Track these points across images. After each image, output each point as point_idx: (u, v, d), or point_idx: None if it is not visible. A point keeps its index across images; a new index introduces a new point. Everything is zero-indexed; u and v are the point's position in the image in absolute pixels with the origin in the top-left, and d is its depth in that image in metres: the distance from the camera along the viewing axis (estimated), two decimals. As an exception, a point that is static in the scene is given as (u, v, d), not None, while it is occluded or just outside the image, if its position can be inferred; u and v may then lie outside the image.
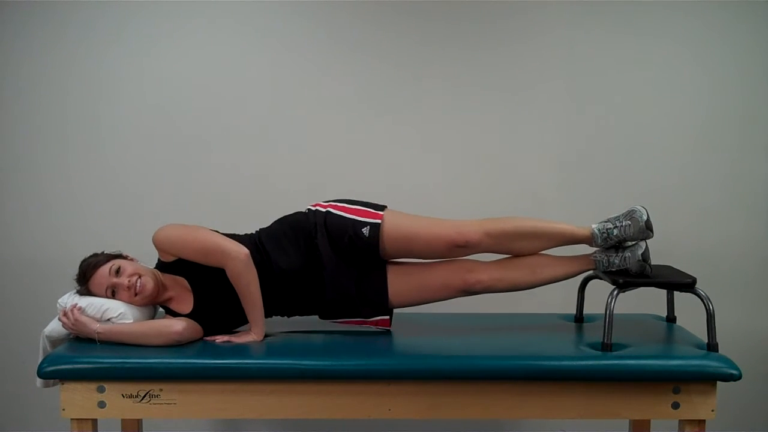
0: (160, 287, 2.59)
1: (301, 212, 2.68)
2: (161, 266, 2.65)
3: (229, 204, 3.29)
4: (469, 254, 2.66)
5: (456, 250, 2.62)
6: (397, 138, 3.32)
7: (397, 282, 2.64)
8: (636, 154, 3.31)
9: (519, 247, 2.66)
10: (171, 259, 2.61)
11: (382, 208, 2.65)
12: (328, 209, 2.63)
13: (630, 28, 3.28)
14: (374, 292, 2.63)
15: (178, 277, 2.62)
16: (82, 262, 2.60)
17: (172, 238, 2.57)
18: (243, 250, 2.52)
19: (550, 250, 2.70)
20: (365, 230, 2.58)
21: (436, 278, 2.65)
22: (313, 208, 2.66)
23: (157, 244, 2.60)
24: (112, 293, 2.54)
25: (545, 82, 3.30)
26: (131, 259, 2.64)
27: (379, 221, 2.59)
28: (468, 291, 2.65)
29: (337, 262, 2.60)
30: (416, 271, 2.67)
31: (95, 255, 2.61)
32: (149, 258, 2.67)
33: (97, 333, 2.46)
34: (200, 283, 2.59)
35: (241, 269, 2.51)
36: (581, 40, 3.29)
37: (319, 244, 2.60)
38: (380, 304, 2.64)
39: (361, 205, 2.65)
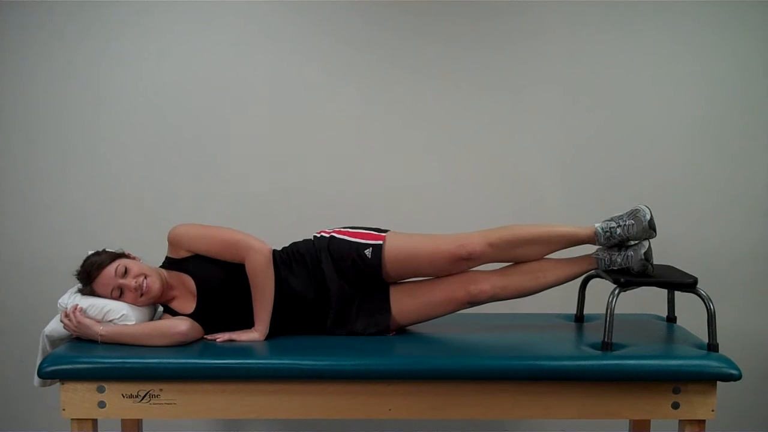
0: (165, 287, 2.58)
1: (308, 240, 2.71)
2: (169, 263, 2.64)
3: (229, 205, 3.28)
4: (474, 266, 2.65)
5: (460, 263, 2.61)
6: (398, 138, 3.32)
7: (400, 302, 2.64)
8: (637, 153, 3.31)
9: (522, 253, 2.65)
10: (183, 255, 2.61)
11: (385, 231, 2.67)
12: (332, 234, 2.66)
13: (630, 27, 3.28)
14: (377, 314, 2.63)
15: (183, 276, 2.61)
16: (86, 260, 2.57)
17: (193, 231, 2.60)
18: (267, 246, 2.56)
19: (553, 253, 2.69)
20: (368, 251, 2.59)
21: (439, 293, 2.64)
22: (318, 235, 2.69)
23: (175, 239, 2.61)
24: (119, 294, 2.53)
25: (546, 82, 3.30)
26: (134, 258, 2.62)
27: (381, 242, 2.60)
28: (473, 302, 2.65)
29: (341, 284, 2.62)
30: (419, 288, 2.67)
31: (98, 254, 2.58)
32: (148, 259, 2.67)
33: (100, 335, 2.45)
34: (205, 284, 2.58)
35: (262, 263, 2.53)
36: (582, 39, 3.29)
37: (324, 268, 2.61)
38: (383, 325, 2.63)
39: (363, 229, 2.67)
